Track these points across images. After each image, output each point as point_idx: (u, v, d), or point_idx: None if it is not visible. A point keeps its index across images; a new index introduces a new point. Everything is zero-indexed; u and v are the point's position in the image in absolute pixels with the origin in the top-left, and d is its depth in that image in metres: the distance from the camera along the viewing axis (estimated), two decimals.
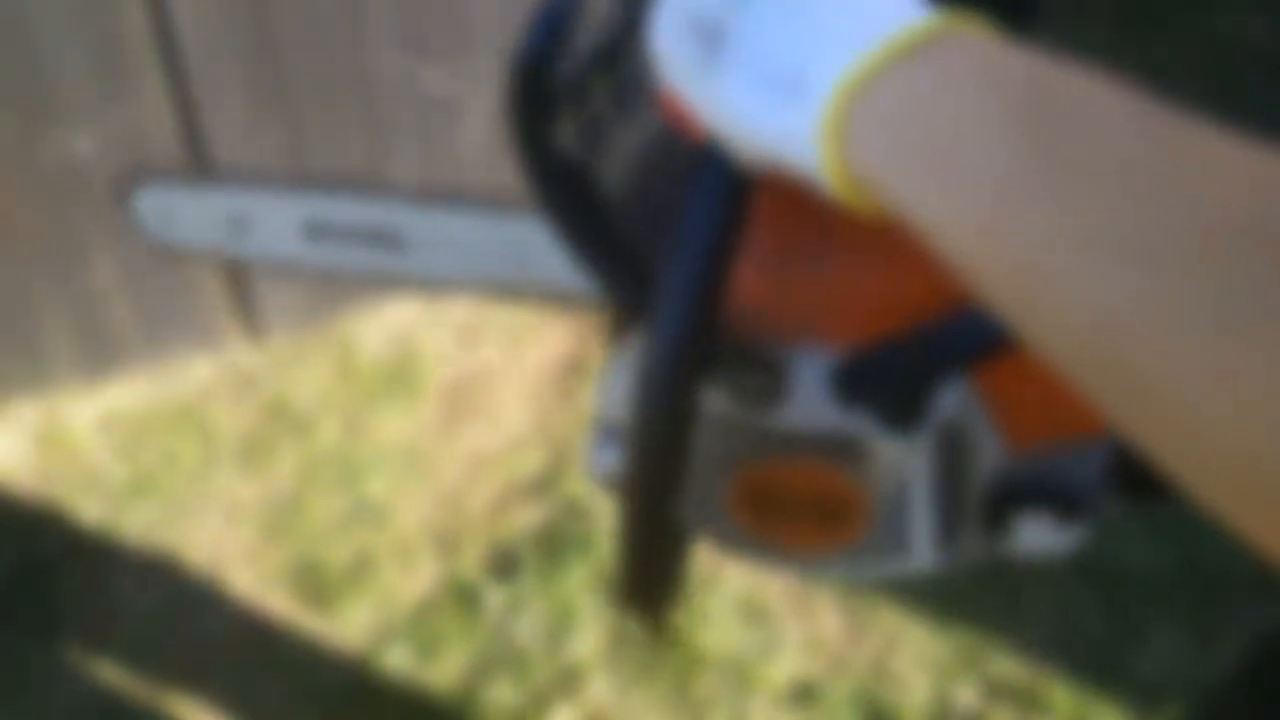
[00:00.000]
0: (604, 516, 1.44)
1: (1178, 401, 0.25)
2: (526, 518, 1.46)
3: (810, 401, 0.44)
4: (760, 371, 0.44)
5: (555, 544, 1.43)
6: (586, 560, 1.40)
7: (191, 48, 1.38)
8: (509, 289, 0.65)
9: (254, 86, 1.44)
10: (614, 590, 0.47)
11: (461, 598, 1.39)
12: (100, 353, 1.57)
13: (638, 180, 0.47)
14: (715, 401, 0.44)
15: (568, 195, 0.45)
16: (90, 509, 1.48)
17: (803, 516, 0.47)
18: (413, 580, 1.42)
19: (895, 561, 0.47)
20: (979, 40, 0.32)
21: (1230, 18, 2.09)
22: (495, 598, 1.39)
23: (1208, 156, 0.26)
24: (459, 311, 1.68)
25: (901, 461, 0.44)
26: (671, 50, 0.38)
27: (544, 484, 1.50)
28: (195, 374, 1.61)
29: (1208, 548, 1.36)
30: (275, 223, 0.67)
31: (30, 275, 1.48)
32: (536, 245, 0.61)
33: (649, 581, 0.47)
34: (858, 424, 0.44)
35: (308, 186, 0.67)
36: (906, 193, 0.31)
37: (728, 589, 1.38)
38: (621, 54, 0.44)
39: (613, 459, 0.48)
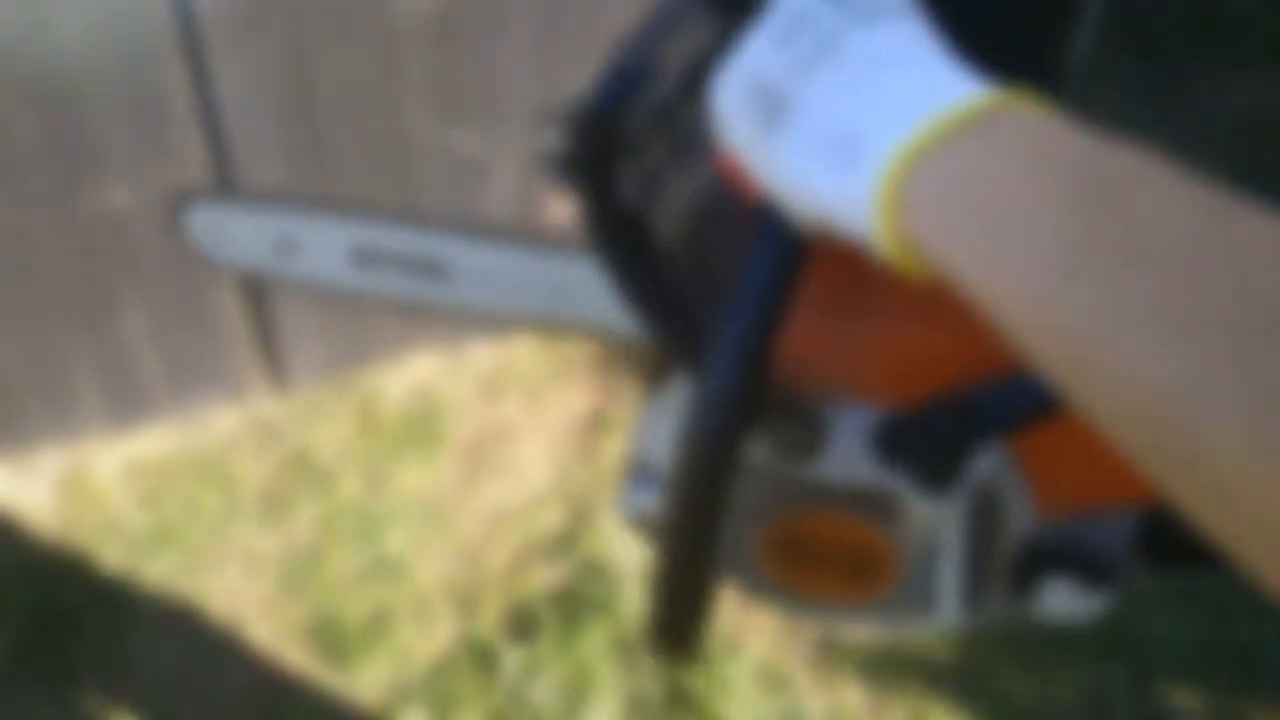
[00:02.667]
0: (624, 577, 1.43)
1: (1232, 477, 0.25)
2: (545, 577, 1.46)
3: (847, 456, 0.44)
4: (800, 423, 0.44)
5: (574, 605, 1.42)
6: (605, 623, 1.39)
7: (230, 107, 1.40)
8: (545, 323, 0.66)
9: (290, 147, 1.47)
10: (645, 630, 0.48)
11: (479, 658, 1.38)
12: (127, 402, 1.58)
13: (691, 231, 0.48)
14: (753, 450, 0.45)
15: (624, 242, 0.46)
16: (111, 557, 1.48)
17: (832, 568, 0.47)
18: (430, 638, 1.41)
19: (921, 618, 0.48)
20: (1035, 116, 0.33)
21: (1252, 89, 2.10)
22: (512, 659, 1.37)
23: (1258, 234, 0.27)
24: (481, 365, 1.69)
25: (934, 520, 0.45)
26: (733, 112, 0.39)
27: (564, 542, 1.49)
28: (220, 424, 1.62)
29: (1237, 621, 1.34)
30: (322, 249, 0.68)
31: (61, 324, 1.50)
32: (575, 284, 0.62)
33: (681, 624, 0.47)
34: (893, 481, 0.44)
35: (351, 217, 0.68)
36: (962, 261, 0.32)
37: (749, 656, 1.36)
38: (680, 109, 0.45)
39: (648, 500, 0.49)
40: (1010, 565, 0.47)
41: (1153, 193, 0.29)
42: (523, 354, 1.69)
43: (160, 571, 1.47)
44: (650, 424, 0.49)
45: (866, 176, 0.34)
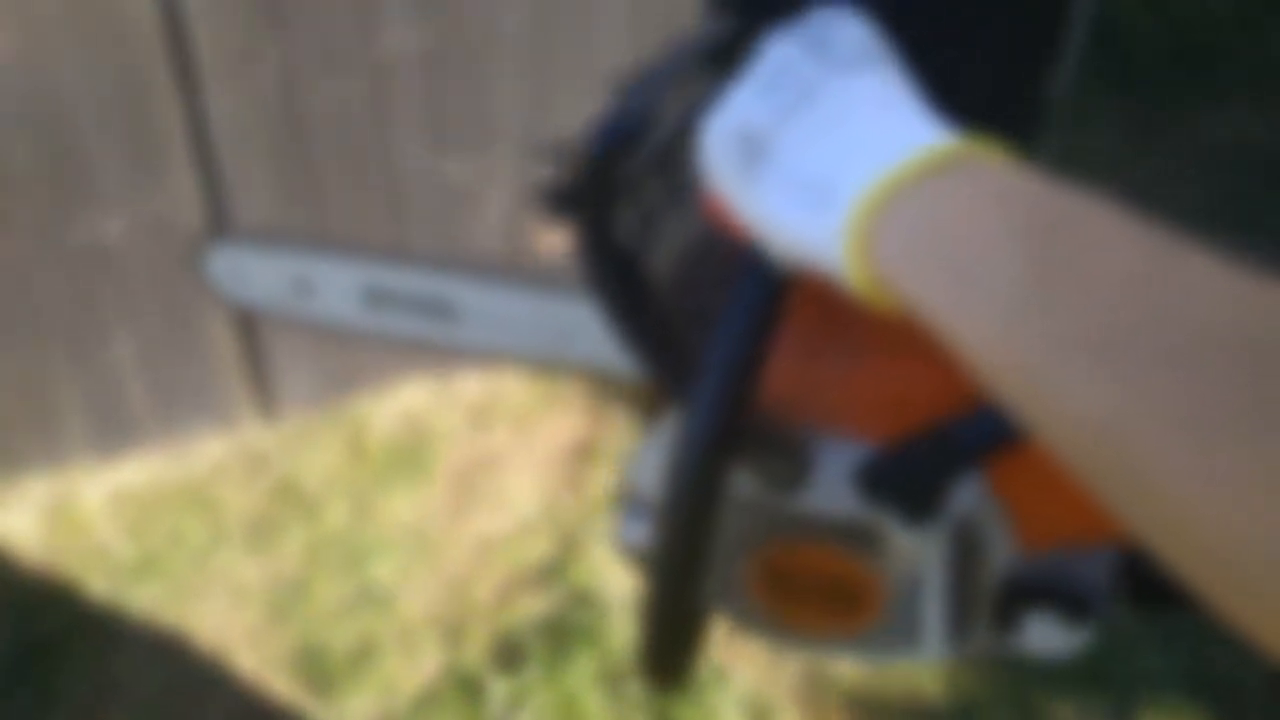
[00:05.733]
0: (612, 607, 1.43)
1: (1174, 501, 0.26)
2: (533, 606, 1.46)
3: (832, 489, 0.46)
4: (786, 457, 0.46)
5: (561, 634, 1.41)
6: (593, 652, 1.39)
7: (222, 137, 1.42)
8: (547, 362, 0.68)
9: (281, 175, 1.48)
10: (636, 660, 0.49)
11: (464, 688, 1.38)
12: (115, 430, 1.58)
13: (683, 271, 0.50)
14: (741, 483, 0.46)
15: (619, 281, 0.48)
16: (97, 586, 1.48)
17: (818, 600, 0.48)
18: (416, 669, 1.41)
19: (906, 651, 0.49)
20: (994, 163, 0.35)
21: (1232, 127, 2.14)
22: (499, 689, 1.37)
23: (1198, 274, 0.29)
24: (470, 394, 1.69)
25: (917, 553, 0.46)
26: (718, 156, 0.42)
27: (551, 571, 1.49)
28: (207, 452, 1.62)
29: (1219, 653, 1.35)
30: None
31: (50, 351, 1.50)
32: (576, 326, 0.64)
33: (669, 652, 0.48)
34: (875, 513, 0.45)
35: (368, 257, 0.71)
36: (924, 297, 0.34)
37: (736, 686, 1.36)
38: (677, 155, 0.47)
39: (639, 532, 0.50)
40: (993, 599, 0.48)
41: (1100, 234, 0.31)
42: (512, 384, 1.70)
43: (146, 600, 1.46)
44: (643, 458, 0.50)
45: (837, 217, 0.36)
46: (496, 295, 0.67)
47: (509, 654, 1.41)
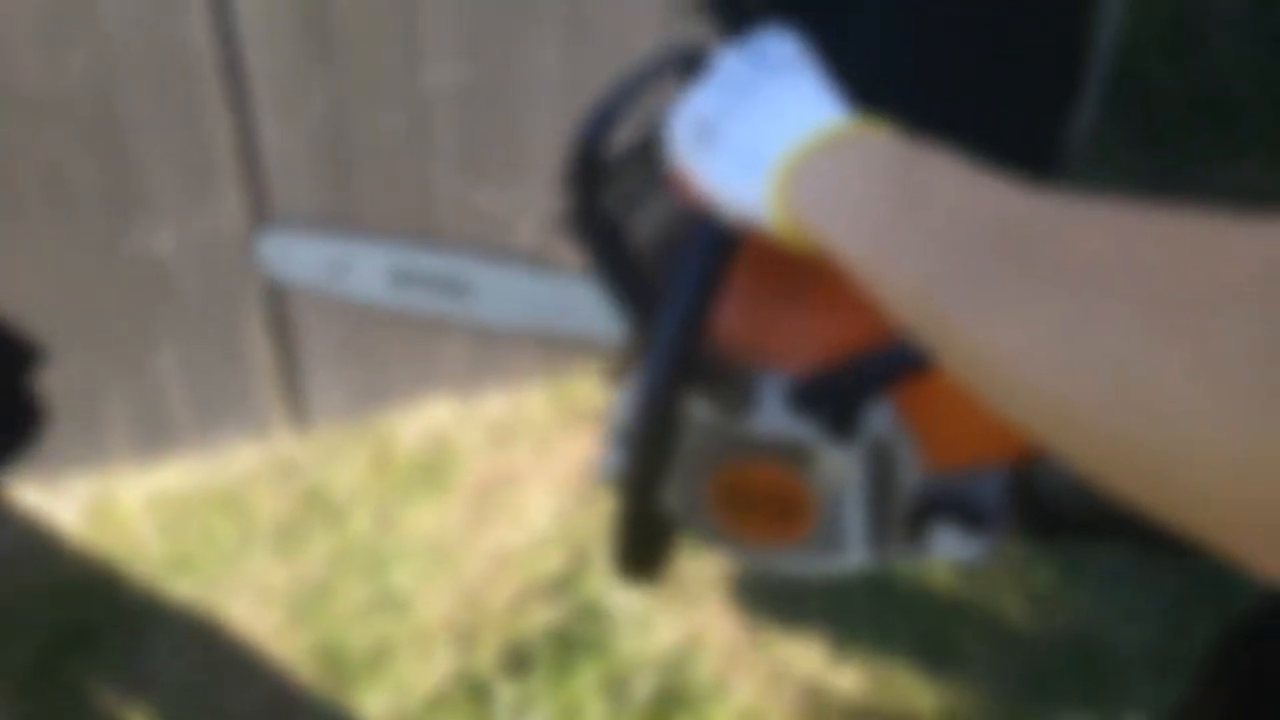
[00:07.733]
0: (618, 620, 1.49)
1: (964, 334, 0.36)
2: (542, 617, 1.51)
3: (771, 413, 0.54)
4: (735, 387, 0.54)
5: (569, 645, 1.47)
6: (598, 663, 1.45)
7: (270, 160, 1.51)
8: (549, 335, 0.77)
9: (323, 198, 1.57)
10: (613, 561, 0.58)
11: (474, 691, 1.44)
12: (155, 434, 1.67)
13: (659, 240, 0.60)
14: (701, 411, 0.55)
15: (607, 248, 0.58)
16: (132, 580, 1.55)
17: (763, 513, 0.57)
18: (429, 671, 1.47)
19: (836, 557, 0.57)
20: (878, 134, 0.47)
21: (1249, 182, 2.17)
22: (506, 694, 1.43)
23: (992, 192, 0.39)
24: (492, 412, 1.77)
25: (840, 468, 0.54)
26: (679, 138, 0.54)
27: (563, 585, 1.55)
28: (241, 459, 1.70)
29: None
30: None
31: (99, 359, 1.59)
32: (576, 303, 0.73)
33: (638, 552, 0.57)
34: (807, 433, 0.54)
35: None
36: (825, 232, 0.45)
37: (734, 701, 1.41)
38: (653, 147, 0.59)
39: (618, 461, 0.58)
40: (905, 512, 0.56)
41: (937, 176, 0.42)
42: (533, 403, 1.77)
43: (178, 596, 1.54)
44: (624, 397, 0.59)
45: (763, 179, 0.48)
46: (505, 275, 0.76)
47: (518, 661, 1.46)
